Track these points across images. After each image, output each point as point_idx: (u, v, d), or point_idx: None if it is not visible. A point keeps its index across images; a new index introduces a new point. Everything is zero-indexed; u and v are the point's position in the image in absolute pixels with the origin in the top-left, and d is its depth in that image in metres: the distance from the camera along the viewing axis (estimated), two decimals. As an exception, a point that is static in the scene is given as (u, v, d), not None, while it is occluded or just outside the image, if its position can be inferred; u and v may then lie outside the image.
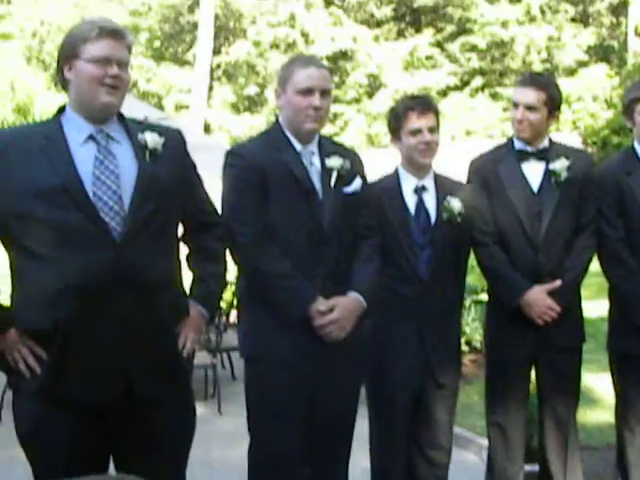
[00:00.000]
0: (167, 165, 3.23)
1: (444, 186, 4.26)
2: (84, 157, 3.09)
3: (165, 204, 3.16)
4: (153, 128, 3.33)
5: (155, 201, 3.12)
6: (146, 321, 3.08)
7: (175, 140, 3.37)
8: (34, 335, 3.03)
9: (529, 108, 4.24)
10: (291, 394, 3.75)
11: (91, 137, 3.15)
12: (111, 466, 3.31)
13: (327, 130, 26.93)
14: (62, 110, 3.25)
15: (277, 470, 3.88)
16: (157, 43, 34.37)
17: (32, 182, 3.00)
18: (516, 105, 4.27)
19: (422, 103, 4.22)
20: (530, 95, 4.25)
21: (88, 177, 3.05)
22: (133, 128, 3.27)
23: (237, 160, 3.83)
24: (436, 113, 4.22)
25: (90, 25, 3.15)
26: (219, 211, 3.62)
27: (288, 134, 3.88)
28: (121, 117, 3.29)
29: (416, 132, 4.13)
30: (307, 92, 3.78)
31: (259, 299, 3.84)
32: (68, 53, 3.15)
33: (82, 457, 3.07)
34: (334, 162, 3.86)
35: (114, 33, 3.13)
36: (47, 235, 2.99)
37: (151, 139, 3.22)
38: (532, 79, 4.38)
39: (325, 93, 3.83)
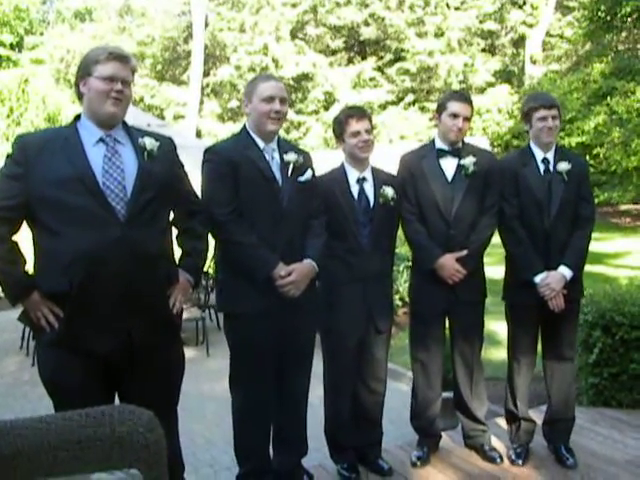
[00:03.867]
0: (161, 163, 3.23)
1: (380, 177, 4.27)
2: (95, 155, 3.08)
3: (159, 194, 3.16)
4: (151, 134, 3.32)
5: (152, 191, 3.12)
6: (145, 285, 3.07)
7: (168, 145, 3.37)
8: (53, 296, 3.01)
9: (466, 118, 4.26)
10: (260, 340, 3.76)
11: (101, 140, 3.13)
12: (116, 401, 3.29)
13: (292, 135, 26.87)
14: (78, 118, 3.21)
15: (249, 399, 3.90)
16: (159, 67, 34.01)
17: (54, 173, 2.98)
18: (455, 116, 4.26)
19: (358, 111, 4.26)
20: (468, 109, 4.29)
21: (99, 170, 3.04)
22: (135, 134, 3.26)
23: (213, 156, 3.81)
24: (369, 118, 4.23)
25: (102, 50, 3.15)
26: (200, 197, 3.66)
27: (253, 135, 3.87)
28: (125, 125, 3.27)
29: (356, 133, 4.13)
30: (269, 100, 3.78)
31: (231, 265, 3.83)
32: (83, 72, 3.14)
33: (92, 394, 3.03)
34: (291, 157, 3.88)
35: (120, 57, 3.13)
36: (64, 216, 2.97)
37: (149, 142, 3.22)
38: (466, 96, 4.41)
39: (283, 101, 3.83)
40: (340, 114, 4.28)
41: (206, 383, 6.99)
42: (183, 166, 3.50)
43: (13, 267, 3.05)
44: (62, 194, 2.98)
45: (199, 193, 3.69)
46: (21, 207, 3.02)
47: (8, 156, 3.11)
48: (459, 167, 4.30)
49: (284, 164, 3.86)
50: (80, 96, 3.20)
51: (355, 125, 4.14)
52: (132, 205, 3.05)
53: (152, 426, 2.47)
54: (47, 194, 2.98)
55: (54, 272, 3.00)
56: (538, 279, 4.21)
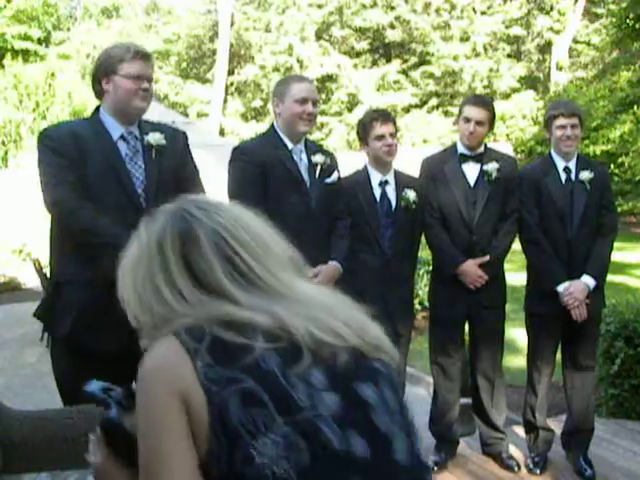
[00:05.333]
0: (169, 158, 3.27)
1: (402, 180, 4.26)
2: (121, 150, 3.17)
3: (172, 188, 3.13)
4: (158, 128, 3.34)
5: (165, 186, 3.17)
6: None
7: (177, 138, 3.40)
8: (71, 284, 3.05)
9: (478, 123, 4.22)
10: None
11: (122, 137, 3.18)
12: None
13: (315, 136, 26.88)
14: (97, 110, 3.25)
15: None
16: (184, 65, 34.16)
17: (92, 166, 3.09)
18: (468, 120, 4.23)
19: (383, 114, 4.23)
20: (480, 113, 4.24)
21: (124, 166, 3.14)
22: (144, 129, 3.28)
23: (241, 156, 3.81)
24: (394, 122, 4.22)
25: (126, 48, 3.16)
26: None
27: (282, 136, 3.86)
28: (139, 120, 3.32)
29: (381, 137, 4.12)
30: (303, 101, 3.78)
31: None
32: (107, 70, 3.16)
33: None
34: (318, 158, 3.88)
35: (145, 56, 3.17)
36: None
37: (153, 139, 3.24)
38: (480, 100, 4.39)
39: (315, 102, 3.84)
40: (365, 117, 4.27)
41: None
42: (194, 162, 3.49)
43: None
44: (99, 187, 3.05)
45: (225, 191, 3.68)
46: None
47: (41, 147, 3.12)
48: (482, 173, 4.27)
49: (312, 165, 3.87)
50: (101, 92, 3.21)
51: (380, 129, 4.13)
52: (151, 201, 3.09)
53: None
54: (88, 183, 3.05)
55: (78, 261, 3.03)
56: (561, 288, 4.17)
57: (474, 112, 4.24)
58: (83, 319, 3.03)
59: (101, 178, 3.07)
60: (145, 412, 1.32)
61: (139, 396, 1.34)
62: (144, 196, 3.14)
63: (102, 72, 3.17)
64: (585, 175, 4.24)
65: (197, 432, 1.27)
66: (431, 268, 4.63)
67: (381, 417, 1.42)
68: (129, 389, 1.48)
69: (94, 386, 1.57)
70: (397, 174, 4.27)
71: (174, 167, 3.27)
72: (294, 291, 1.50)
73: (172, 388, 1.29)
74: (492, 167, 4.25)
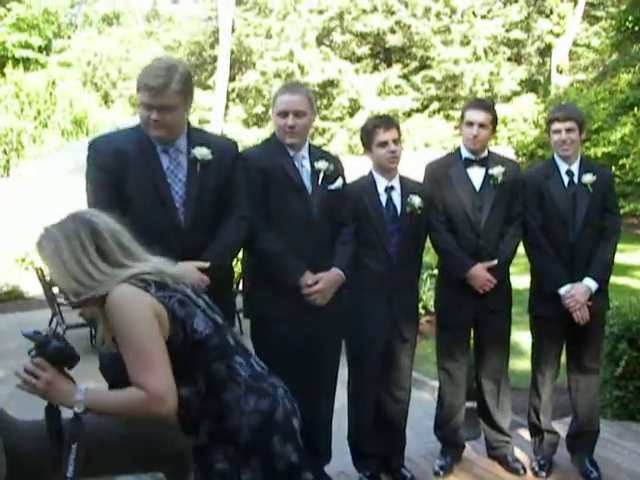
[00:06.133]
0: (215, 172, 3.32)
1: (408, 185, 4.26)
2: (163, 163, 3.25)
3: (214, 202, 3.32)
4: (208, 141, 3.38)
5: (206, 201, 3.29)
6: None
7: (226, 151, 3.47)
8: None
9: (481, 126, 4.24)
10: (285, 347, 3.75)
11: (164, 151, 3.24)
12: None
13: (316, 141, 26.91)
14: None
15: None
16: (185, 72, 34.23)
17: (135, 181, 3.20)
18: (471, 124, 4.25)
19: (386, 121, 4.21)
20: (482, 116, 4.25)
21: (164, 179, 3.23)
22: (194, 140, 3.32)
23: (243, 163, 3.79)
24: (397, 128, 4.20)
25: (143, 76, 3.18)
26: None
27: (283, 142, 3.87)
28: (190, 131, 3.36)
29: (384, 144, 4.11)
30: (283, 114, 3.78)
31: (258, 271, 3.84)
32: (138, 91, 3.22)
33: None
34: (321, 165, 3.87)
35: (149, 88, 3.14)
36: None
37: (199, 153, 3.29)
38: (483, 103, 4.40)
39: (298, 114, 3.78)
40: (368, 123, 4.27)
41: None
42: (241, 172, 3.53)
43: None
44: (138, 201, 3.16)
45: None
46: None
47: (89, 161, 3.25)
48: (487, 177, 4.28)
49: (314, 172, 3.87)
50: None
51: (383, 135, 4.12)
52: (190, 217, 3.17)
53: (180, 431, 2.47)
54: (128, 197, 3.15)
55: None
56: (563, 291, 4.19)
57: (476, 115, 4.26)
58: None
59: (141, 192, 3.16)
60: (134, 322, 2.18)
61: (127, 316, 2.18)
62: (182, 210, 3.19)
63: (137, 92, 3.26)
64: (588, 178, 4.26)
65: (162, 327, 2.21)
66: (435, 272, 4.65)
67: (214, 310, 2.53)
68: (54, 331, 2.29)
69: (27, 330, 2.27)
70: (402, 179, 4.28)
71: (218, 183, 3.31)
72: (153, 259, 2.39)
73: (147, 304, 2.20)
74: (498, 171, 4.26)
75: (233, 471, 2.30)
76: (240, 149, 3.75)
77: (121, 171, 3.16)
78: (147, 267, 2.31)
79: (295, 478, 2.42)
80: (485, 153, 4.35)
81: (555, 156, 4.37)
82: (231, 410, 2.32)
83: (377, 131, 4.14)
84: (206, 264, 3.17)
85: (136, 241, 2.44)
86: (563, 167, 4.32)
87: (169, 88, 3.15)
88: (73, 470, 2.16)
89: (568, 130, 4.24)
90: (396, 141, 4.15)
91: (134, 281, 2.23)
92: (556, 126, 4.26)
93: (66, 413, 2.26)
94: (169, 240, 3.13)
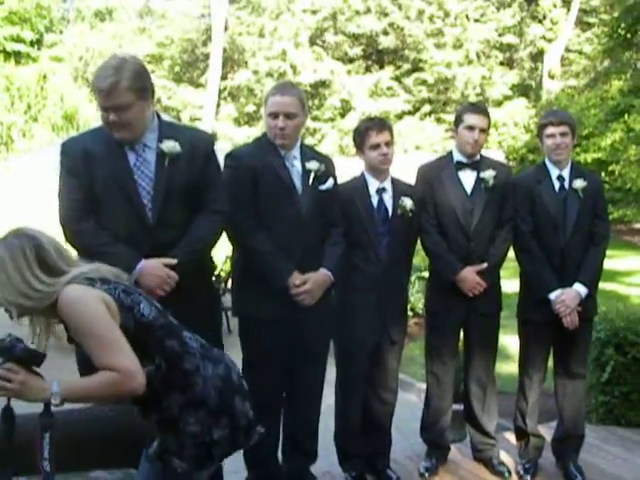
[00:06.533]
0: (184, 166, 3.26)
1: (399, 187, 4.26)
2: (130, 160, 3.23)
3: (183, 197, 3.28)
4: (178, 134, 3.33)
5: (174, 196, 3.25)
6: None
7: (197, 143, 3.41)
8: None
9: (482, 130, 4.25)
10: (273, 346, 3.77)
11: (131, 147, 3.22)
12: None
13: (307, 142, 26.93)
14: None
15: (260, 403, 3.91)
16: (177, 68, 34.10)
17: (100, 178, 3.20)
18: (471, 128, 4.24)
19: (379, 123, 4.20)
20: (484, 121, 4.27)
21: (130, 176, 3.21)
22: (163, 135, 3.27)
23: (233, 162, 3.81)
24: (390, 130, 4.19)
25: (94, 78, 3.17)
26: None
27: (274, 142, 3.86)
28: (160, 124, 3.32)
29: (376, 146, 4.11)
30: (274, 116, 3.77)
31: (246, 270, 3.84)
32: None
33: None
34: (312, 165, 3.86)
35: (99, 91, 3.11)
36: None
37: (167, 146, 3.24)
38: (482, 108, 4.42)
39: (289, 116, 3.77)
40: (360, 125, 4.26)
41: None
42: (217, 166, 3.51)
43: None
44: (107, 200, 3.16)
45: None
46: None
47: (60, 163, 3.29)
48: (478, 180, 4.29)
49: (305, 172, 3.86)
50: None
51: (375, 138, 4.11)
52: (157, 213, 3.15)
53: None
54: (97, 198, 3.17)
55: None
56: (553, 296, 4.20)
57: (477, 120, 4.26)
58: None
59: (108, 190, 3.15)
60: (90, 314, 2.31)
61: (82, 311, 2.31)
62: (150, 207, 3.17)
63: None
64: (578, 183, 4.27)
65: (113, 316, 2.34)
66: (424, 275, 4.66)
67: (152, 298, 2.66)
68: (9, 334, 2.29)
69: None
70: (394, 181, 4.28)
71: (189, 178, 3.28)
72: (89, 264, 2.54)
73: (97, 297, 2.33)
74: (489, 174, 4.27)
75: (205, 431, 2.49)
76: (231, 148, 3.74)
77: (89, 172, 3.16)
78: (85, 268, 2.48)
79: (252, 432, 2.69)
80: (477, 157, 4.36)
81: (546, 161, 4.38)
82: (194, 378, 2.51)
83: (370, 133, 4.13)
84: (173, 261, 3.16)
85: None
86: (554, 172, 4.33)
87: (119, 87, 3.08)
88: (49, 464, 2.26)
89: (562, 134, 4.25)
90: (388, 144, 4.14)
91: (79, 280, 2.39)
92: (550, 130, 4.27)
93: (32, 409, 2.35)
94: (137, 237, 3.15)
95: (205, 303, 3.46)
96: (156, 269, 3.13)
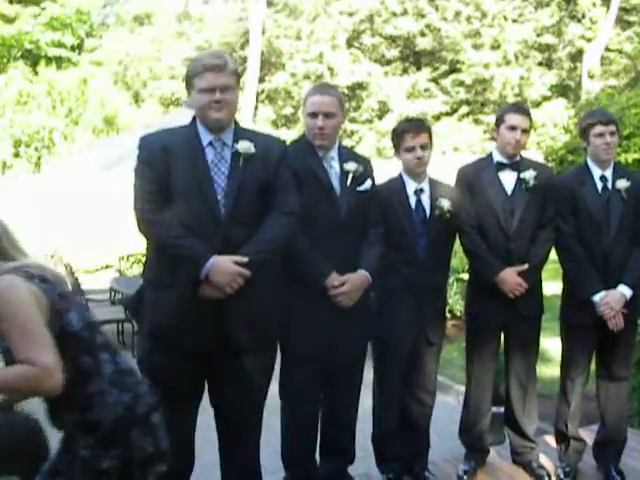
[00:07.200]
0: (258, 167, 3.31)
1: (437, 188, 4.23)
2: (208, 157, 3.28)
3: (255, 198, 3.31)
4: (254, 136, 3.39)
5: (246, 196, 3.27)
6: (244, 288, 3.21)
7: (272, 147, 3.45)
8: (152, 285, 3.29)
9: (524, 131, 4.22)
10: (311, 348, 3.78)
11: (210, 143, 3.27)
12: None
13: (345, 144, 26.92)
14: (195, 118, 3.36)
15: (299, 404, 3.93)
16: (215, 72, 34.37)
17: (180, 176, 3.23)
18: (513, 128, 4.20)
19: (415, 125, 4.16)
20: (526, 121, 4.24)
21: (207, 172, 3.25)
22: (238, 136, 3.34)
23: None
24: (429, 132, 4.17)
25: (198, 62, 3.25)
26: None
27: (312, 143, 3.87)
28: (237, 126, 3.38)
29: (411, 149, 4.09)
30: (312, 115, 3.79)
31: (286, 271, 3.84)
32: (188, 84, 3.30)
33: (181, 386, 3.28)
34: (350, 166, 3.86)
35: (213, 67, 3.20)
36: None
37: (242, 147, 3.29)
38: (524, 108, 4.37)
39: (328, 115, 3.78)
40: (398, 126, 4.24)
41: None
42: (289, 169, 3.50)
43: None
44: (182, 194, 3.19)
45: None
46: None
47: (137, 157, 3.32)
48: (519, 180, 4.25)
49: (343, 173, 3.86)
50: (192, 103, 3.36)
51: (410, 141, 4.09)
52: (230, 210, 3.19)
53: (34, 434, 2.61)
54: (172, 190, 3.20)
55: (157, 263, 3.27)
56: (597, 298, 4.14)
57: (519, 120, 4.23)
58: (165, 319, 3.21)
59: (185, 184, 3.18)
60: (19, 304, 2.32)
61: (11, 299, 2.32)
62: (223, 203, 3.19)
63: (187, 88, 3.33)
64: (622, 184, 4.21)
65: (41, 310, 2.36)
66: (462, 276, 4.62)
67: (87, 309, 2.70)
68: None
69: None
70: (432, 182, 4.26)
71: (262, 177, 3.31)
72: (29, 259, 2.58)
73: (29, 291, 2.36)
74: (529, 175, 4.23)
75: (93, 457, 2.45)
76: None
77: (167, 166, 3.20)
78: (29, 262, 2.53)
79: (150, 468, 2.59)
80: (518, 157, 4.32)
81: (588, 161, 4.32)
82: (94, 402, 2.47)
83: (405, 136, 4.11)
84: (244, 259, 3.16)
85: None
86: (597, 172, 4.27)
87: (228, 67, 3.24)
88: None
89: (611, 133, 4.20)
90: (424, 146, 4.11)
91: (18, 272, 2.43)
92: (599, 129, 4.20)
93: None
94: (209, 232, 3.16)
95: (265, 302, 3.45)
96: (227, 266, 3.12)
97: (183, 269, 3.14)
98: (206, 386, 3.47)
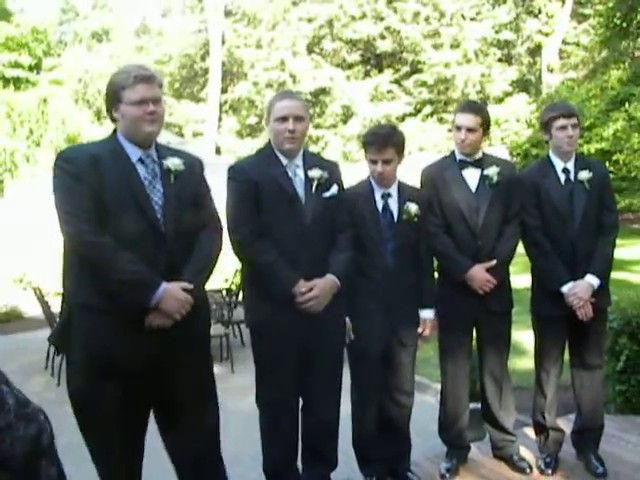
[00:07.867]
0: (187, 184, 3.27)
1: (405, 192, 4.25)
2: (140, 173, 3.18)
3: (189, 214, 3.25)
4: (176, 154, 3.34)
5: (183, 212, 3.21)
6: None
7: (195, 165, 3.41)
8: (90, 310, 3.05)
9: (469, 130, 4.24)
10: (285, 355, 3.78)
11: (140, 160, 3.19)
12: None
13: (311, 149, 26.91)
14: (114, 132, 3.25)
15: (276, 413, 3.92)
16: (177, 85, 34.28)
17: (109, 189, 3.07)
18: (459, 128, 4.26)
19: (380, 141, 4.11)
20: (470, 119, 4.26)
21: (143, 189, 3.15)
22: (163, 153, 3.28)
23: (235, 174, 3.82)
24: (395, 146, 4.13)
25: (126, 74, 3.16)
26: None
27: (276, 152, 3.87)
28: (155, 144, 3.31)
29: (374, 162, 4.12)
30: (283, 120, 3.78)
31: (254, 283, 3.85)
32: (113, 98, 3.19)
33: (124, 415, 3.13)
34: (315, 173, 3.86)
35: (145, 78, 3.14)
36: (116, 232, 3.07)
37: (172, 164, 3.24)
38: (470, 106, 4.39)
39: (298, 119, 3.80)
40: (366, 135, 4.23)
41: (231, 399, 6.97)
42: (209, 189, 3.49)
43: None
44: (117, 210, 3.06)
45: (223, 210, 3.70)
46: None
47: (57, 171, 3.10)
48: (482, 177, 4.29)
49: (308, 180, 3.87)
50: (113, 120, 3.24)
51: (373, 155, 4.12)
52: (171, 227, 3.14)
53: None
54: (105, 207, 3.05)
55: (92, 286, 3.05)
56: (565, 289, 4.20)
57: (464, 119, 4.27)
58: (104, 345, 3.05)
59: (120, 202, 3.06)
60: None
61: None
62: (163, 221, 3.15)
63: (110, 102, 3.22)
64: (584, 175, 4.27)
65: None
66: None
67: None
68: None
69: None
70: (400, 186, 4.27)
71: (192, 192, 3.29)
72: None
73: None
74: (493, 171, 4.27)
75: None
76: (234, 161, 3.76)
77: (99, 177, 3.05)
78: None
79: None
80: (479, 155, 4.36)
81: (551, 154, 4.38)
82: (3, 437, 2.29)
83: (369, 148, 4.14)
84: (190, 285, 3.12)
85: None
86: (559, 165, 4.33)
87: (157, 79, 3.22)
88: None
89: (573, 126, 4.26)
90: (388, 161, 4.10)
91: None
92: (562, 122, 4.25)
93: None
94: (152, 251, 3.09)
95: (202, 327, 3.47)
96: (176, 293, 3.08)
97: (127, 295, 3.02)
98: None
